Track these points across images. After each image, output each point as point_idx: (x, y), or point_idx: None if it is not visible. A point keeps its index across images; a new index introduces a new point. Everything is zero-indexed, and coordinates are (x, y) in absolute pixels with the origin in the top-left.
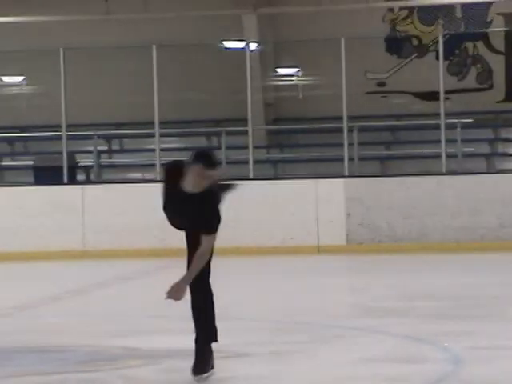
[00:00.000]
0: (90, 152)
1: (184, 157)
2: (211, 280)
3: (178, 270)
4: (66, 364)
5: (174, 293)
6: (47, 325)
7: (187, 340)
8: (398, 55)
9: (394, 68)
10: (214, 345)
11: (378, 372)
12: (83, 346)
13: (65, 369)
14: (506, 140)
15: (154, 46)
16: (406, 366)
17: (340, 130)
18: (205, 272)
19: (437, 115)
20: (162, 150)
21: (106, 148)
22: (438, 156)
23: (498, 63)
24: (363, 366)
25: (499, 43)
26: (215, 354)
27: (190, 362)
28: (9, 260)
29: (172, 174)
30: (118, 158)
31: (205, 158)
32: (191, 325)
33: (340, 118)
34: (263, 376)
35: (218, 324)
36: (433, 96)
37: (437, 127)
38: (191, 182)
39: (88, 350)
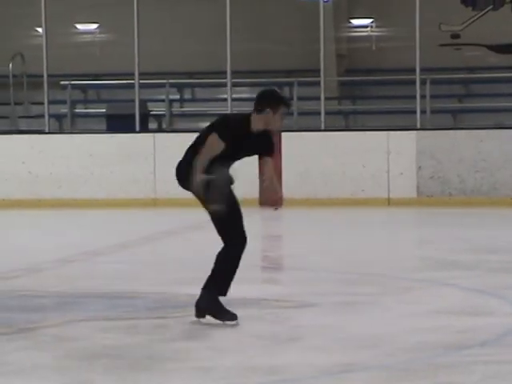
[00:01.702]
0: (161, 101)
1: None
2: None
3: (247, 218)
4: (135, 310)
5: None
6: (116, 271)
7: (257, 289)
8: (473, 7)
9: (468, 20)
10: (280, 294)
11: (445, 324)
12: (152, 292)
13: (133, 315)
14: None
15: None
16: (474, 319)
17: (412, 82)
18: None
19: (511, 68)
20: (234, 99)
21: (177, 97)
22: (511, 110)
23: None
24: (430, 318)
25: None
26: (282, 304)
27: (258, 310)
28: (79, 207)
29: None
30: (190, 107)
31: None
32: (259, 274)
33: (413, 70)
34: (328, 326)
35: (287, 274)
36: (507, 49)
37: (510, 80)
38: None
39: (156, 297)
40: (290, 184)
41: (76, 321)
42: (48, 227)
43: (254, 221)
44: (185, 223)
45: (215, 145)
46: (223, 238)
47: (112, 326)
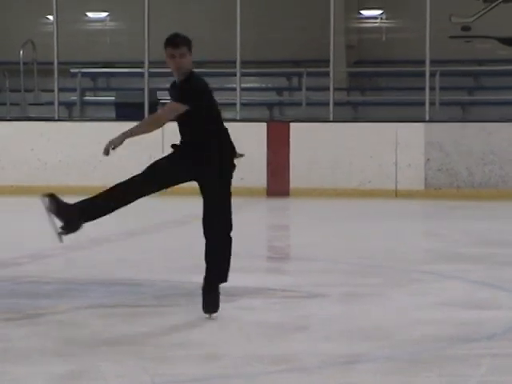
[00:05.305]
0: None
1: (266, 96)
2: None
3: (254, 208)
4: (143, 298)
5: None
6: (122, 259)
7: (264, 279)
8: None
9: (479, 12)
10: (287, 284)
11: (452, 316)
12: (160, 280)
13: (140, 302)
14: None
15: None
16: (481, 312)
17: (422, 74)
18: (220, 208)
19: None
20: (243, 89)
21: None
22: None
23: None
24: (437, 310)
25: None
26: (288, 294)
27: (265, 300)
28: (88, 193)
29: None
30: None
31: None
32: (265, 264)
33: (422, 62)
34: (335, 316)
35: (294, 264)
36: None
37: None
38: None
39: (164, 284)
40: (298, 174)
41: (82, 307)
42: None
43: (260, 210)
44: (192, 211)
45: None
46: None
47: (118, 313)
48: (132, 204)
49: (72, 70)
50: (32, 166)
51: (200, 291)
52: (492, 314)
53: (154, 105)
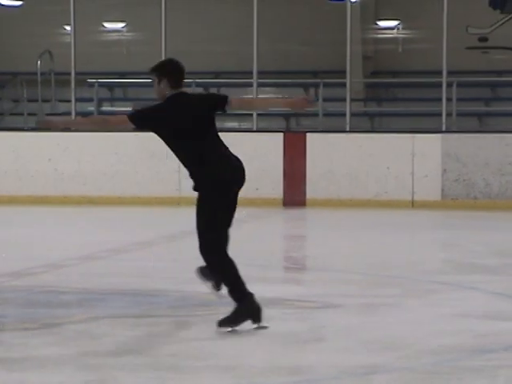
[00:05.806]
0: None
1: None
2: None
3: (271, 218)
4: (158, 308)
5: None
6: (140, 269)
7: (280, 289)
8: (502, 10)
9: (496, 23)
10: (303, 294)
11: (468, 328)
12: (175, 291)
13: (156, 312)
14: None
15: None
16: (497, 323)
17: (439, 85)
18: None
19: None
20: None
21: None
22: None
23: None
24: (453, 321)
25: None
26: (305, 304)
27: (281, 310)
28: (104, 204)
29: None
30: None
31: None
32: (282, 274)
33: (439, 73)
34: (352, 327)
35: (311, 275)
36: None
37: None
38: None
39: (179, 295)
40: (314, 184)
41: (99, 317)
42: (72, 224)
43: (277, 221)
44: None
45: None
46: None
47: (135, 324)
48: (148, 214)
49: (89, 81)
50: (49, 176)
51: (217, 301)
52: (509, 325)
53: None
